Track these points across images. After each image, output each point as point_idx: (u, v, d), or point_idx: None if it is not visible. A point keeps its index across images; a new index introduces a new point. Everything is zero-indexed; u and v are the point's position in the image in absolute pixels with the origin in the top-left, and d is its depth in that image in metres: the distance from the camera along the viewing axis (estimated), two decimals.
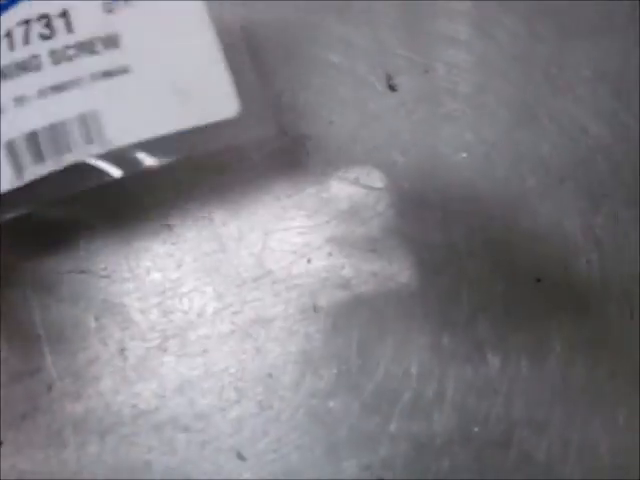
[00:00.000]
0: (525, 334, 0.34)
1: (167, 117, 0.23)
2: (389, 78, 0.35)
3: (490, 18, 0.36)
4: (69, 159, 0.21)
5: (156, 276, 0.33)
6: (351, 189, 0.33)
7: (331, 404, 0.33)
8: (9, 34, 0.22)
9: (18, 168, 0.21)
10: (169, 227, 0.33)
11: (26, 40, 0.22)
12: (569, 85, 0.35)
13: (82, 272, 0.33)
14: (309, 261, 0.34)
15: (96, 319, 0.33)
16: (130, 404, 0.32)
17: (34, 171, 0.21)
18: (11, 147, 0.22)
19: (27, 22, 0.22)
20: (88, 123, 0.22)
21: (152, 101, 0.23)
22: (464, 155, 0.35)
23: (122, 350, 0.33)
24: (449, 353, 0.34)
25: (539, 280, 0.34)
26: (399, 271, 0.35)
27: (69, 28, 0.23)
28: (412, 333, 0.34)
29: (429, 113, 0.35)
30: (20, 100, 0.22)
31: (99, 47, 0.22)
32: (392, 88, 0.35)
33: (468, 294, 0.34)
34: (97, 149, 0.22)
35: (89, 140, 0.22)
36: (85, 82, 0.22)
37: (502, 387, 0.34)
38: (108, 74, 0.22)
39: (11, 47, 0.22)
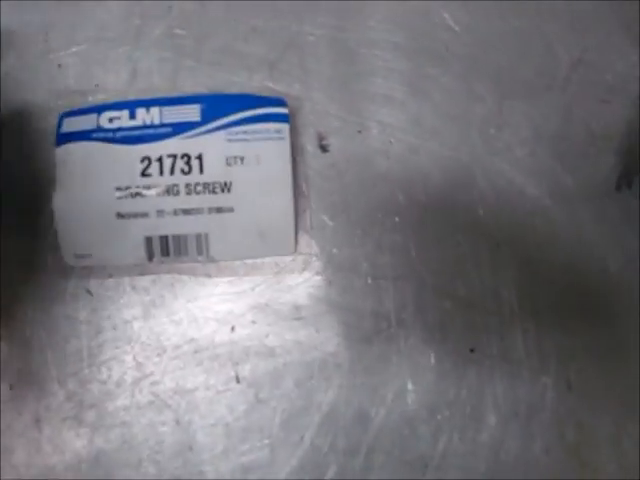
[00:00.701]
0: (457, 407, 0.38)
1: (251, 248, 0.35)
2: (321, 138, 0.39)
3: (426, 77, 0.40)
4: (184, 260, 0.35)
5: (74, 344, 0.37)
6: None
7: (253, 479, 0.37)
8: (160, 160, 0.34)
9: (150, 255, 0.35)
10: (89, 293, 0.37)
11: (172, 171, 0.34)
12: (507, 146, 0.37)
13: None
14: (233, 329, 0.38)
15: (10, 388, 0.36)
16: (43, 478, 0.36)
17: (160, 260, 0.35)
18: (149, 241, 0.35)
19: (174, 157, 0.34)
20: (201, 240, 0.35)
21: (243, 235, 0.35)
22: (396, 219, 0.39)
23: (37, 421, 0.36)
24: (377, 427, 0.37)
25: (472, 350, 0.35)
26: (326, 340, 0.37)
27: (201, 169, 0.35)
28: (338, 405, 0.38)
29: (361, 174, 0.39)
30: (160, 212, 0.34)
31: (217, 189, 0.35)
32: (324, 149, 0.39)
33: (398, 365, 0.38)
34: (203, 259, 0.35)
35: (199, 252, 0.35)
36: (203, 212, 0.35)
37: (433, 461, 0.37)
38: (219, 210, 0.35)
39: (161, 172, 0.34)
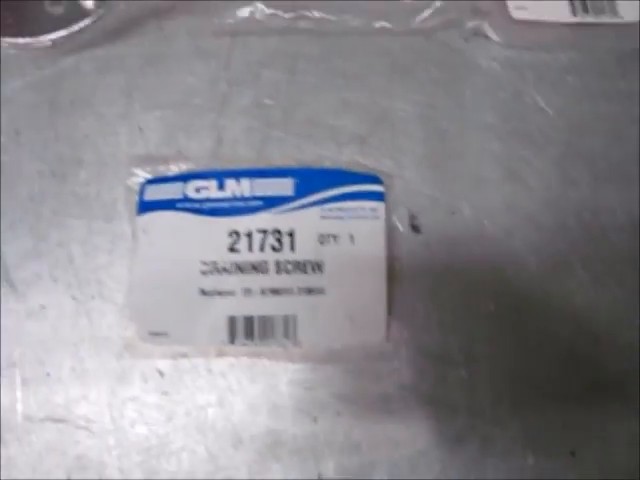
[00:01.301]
0: None
1: (339, 333, 0.32)
2: (413, 218, 0.37)
3: (520, 159, 0.38)
4: (270, 344, 0.31)
5: (141, 430, 0.33)
6: None
7: None
8: (250, 235, 0.31)
9: (232, 335, 0.31)
10: (160, 374, 0.33)
11: (262, 247, 0.31)
12: (603, 232, 0.35)
13: (58, 421, 0.33)
14: (315, 420, 0.34)
15: (67, 476, 0.32)
16: None
17: (242, 342, 0.32)
18: (232, 321, 0.31)
19: (264, 232, 0.32)
20: (288, 323, 0.31)
21: (332, 318, 0.32)
22: (491, 306, 0.36)
23: None
24: None
25: (574, 453, 0.32)
26: (416, 436, 0.34)
27: (292, 246, 0.32)
28: None
29: (454, 257, 0.36)
30: (247, 291, 0.31)
31: (309, 269, 0.32)
32: (415, 229, 0.37)
33: (494, 466, 0.33)
34: (290, 343, 0.32)
35: (286, 335, 0.31)
36: (293, 293, 0.31)
37: None
38: (310, 291, 0.32)
39: (250, 248, 0.31)
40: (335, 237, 0.32)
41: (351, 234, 0.33)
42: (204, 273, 0.32)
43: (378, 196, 0.33)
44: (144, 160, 0.35)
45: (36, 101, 0.36)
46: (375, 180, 0.34)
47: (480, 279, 0.35)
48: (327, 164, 0.35)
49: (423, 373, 0.33)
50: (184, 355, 0.33)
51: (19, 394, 0.33)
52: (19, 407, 0.33)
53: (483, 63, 0.38)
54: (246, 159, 0.35)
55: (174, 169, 0.34)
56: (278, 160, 0.35)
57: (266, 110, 0.36)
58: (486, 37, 0.39)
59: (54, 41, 0.36)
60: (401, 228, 0.35)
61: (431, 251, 0.35)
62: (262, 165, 0.35)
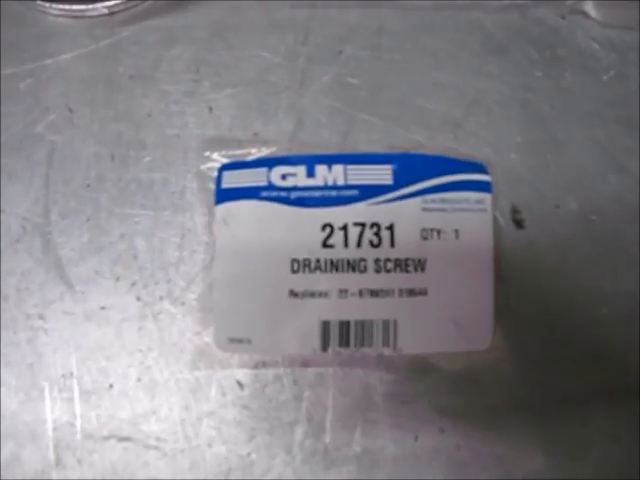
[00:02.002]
0: None
1: (443, 339, 0.28)
2: (515, 212, 0.32)
3: (626, 150, 0.34)
4: (367, 352, 0.27)
5: (220, 450, 0.28)
6: None
7: None
8: (345, 229, 0.27)
9: (324, 342, 0.27)
10: (240, 385, 0.28)
11: (359, 243, 0.27)
12: None
13: (124, 439, 0.28)
14: (416, 439, 0.30)
15: None
16: None
17: (336, 350, 0.27)
18: (325, 326, 0.27)
19: (362, 225, 0.27)
20: (388, 328, 0.27)
21: (436, 322, 0.27)
22: (604, 311, 0.32)
23: None
24: None
25: None
26: (527, 456, 0.31)
27: (392, 242, 0.27)
28: None
29: (560, 256, 0.32)
30: (343, 293, 0.27)
31: (410, 267, 0.27)
32: (518, 224, 0.32)
33: None
34: (389, 351, 0.27)
35: (385, 342, 0.27)
36: (394, 294, 0.27)
37: None
38: (411, 292, 0.27)
39: (346, 244, 0.27)
40: (439, 232, 0.28)
41: (456, 228, 0.28)
42: (294, 271, 0.27)
43: (484, 186, 0.29)
44: (216, 143, 0.30)
45: (92, 75, 0.31)
46: (481, 168, 0.29)
47: (590, 281, 0.30)
48: (420, 150, 0.31)
49: (532, 385, 0.29)
50: (266, 364, 0.28)
51: (78, 408, 0.28)
52: (78, 423, 0.28)
53: (582, 43, 0.34)
54: (330, 143, 0.31)
55: (254, 153, 0.29)
56: (365, 145, 0.31)
57: (350, 90, 0.32)
58: (584, 15, 0.34)
59: (111, 9, 0.31)
60: (503, 222, 0.30)
61: (535, 249, 0.31)
62: (348, 150, 0.30)
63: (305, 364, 0.28)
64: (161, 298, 0.29)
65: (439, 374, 0.29)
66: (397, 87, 0.32)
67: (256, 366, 0.28)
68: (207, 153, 0.29)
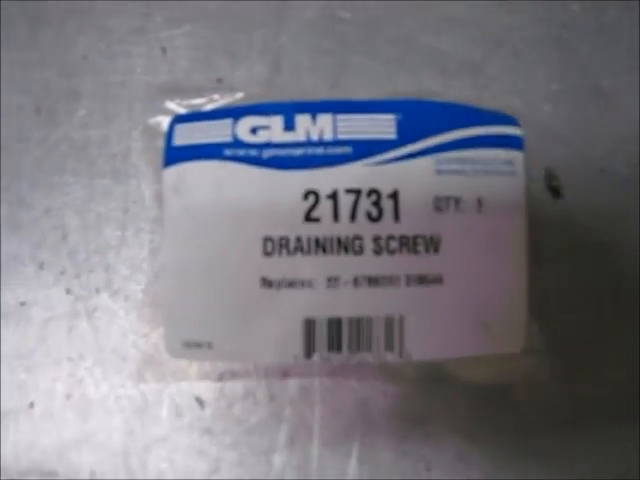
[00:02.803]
0: None
1: (463, 341, 0.21)
2: (551, 177, 0.25)
3: None
4: (365, 358, 0.20)
5: None
6: None
7: None
8: (335, 197, 0.20)
9: (309, 347, 0.20)
10: (200, 403, 0.21)
11: (353, 215, 0.20)
12: None
13: (48, 474, 0.21)
14: (428, 468, 0.22)
15: None
16: None
17: (324, 356, 0.20)
18: (309, 325, 0.20)
19: (357, 193, 0.20)
20: (393, 328, 0.20)
21: (456, 320, 0.21)
22: None
23: None
24: None
25: None
26: None
27: (396, 214, 0.20)
28: None
29: (605, 231, 0.25)
30: (333, 281, 0.20)
31: (420, 247, 0.20)
32: (555, 192, 0.25)
33: None
34: (393, 357, 0.20)
35: (388, 346, 0.20)
36: (399, 282, 0.20)
37: None
38: (422, 280, 0.20)
39: (335, 217, 0.20)
40: (457, 201, 0.21)
41: (479, 197, 0.21)
42: (268, 254, 0.20)
43: (515, 142, 0.22)
44: (170, 90, 0.23)
45: (12, 10, 0.24)
46: (508, 120, 0.22)
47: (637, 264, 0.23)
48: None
49: (578, 397, 0.22)
50: (233, 375, 0.21)
51: None
52: None
53: None
54: (315, 91, 0.24)
55: (216, 101, 0.22)
56: (359, 93, 0.24)
57: (341, 26, 0.25)
58: None
59: None
60: (536, 190, 0.23)
61: (576, 222, 0.24)
62: (338, 97, 0.23)
63: (284, 374, 0.21)
64: (97, 291, 0.22)
65: (458, 386, 0.22)
66: (401, 23, 0.25)
67: (221, 377, 0.21)
68: (157, 103, 0.22)
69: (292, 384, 0.22)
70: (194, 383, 0.21)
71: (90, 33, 0.24)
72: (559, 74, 0.25)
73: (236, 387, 0.21)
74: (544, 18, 0.25)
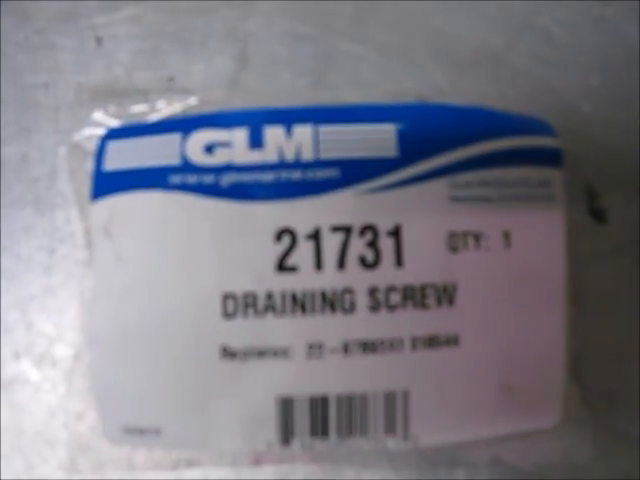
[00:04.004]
0: None
1: (486, 417, 0.16)
2: (593, 197, 0.20)
3: None
4: (359, 445, 0.15)
5: None
6: None
7: None
8: (317, 237, 0.15)
9: (287, 432, 0.15)
10: None
11: (341, 261, 0.15)
12: None
13: None
14: None
15: None
16: None
17: (306, 443, 0.15)
18: (286, 405, 0.15)
19: (347, 230, 0.15)
20: (395, 405, 0.16)
21: (475, 391, 0.16)
22: None
23: None
24: None
25: None
26: None
27: (398, 258, 0.15)
28: None
29: None
30: (316, 348, 0.15)
31: (431, 299, 0.16)
32: (598, 216, 0.20)
33: None
34: (396, 442, 0.15)
35: (390, 428, 0.16)
36: (402, 347, 0.16)
37: None
38: (433, 342, 0.16)
39: (318, 264, 0.15)
40: (477, 237, 0.16)
41: (505, 231, 0.16)
42: (229, 316, 0.15)
43: (551, 157, 0.17)
44: (104, 94, 0.17)
45: None
46: (543, 128, 0.17)
47: None
48: (440, 100, 0.18)
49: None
50: (192, 463, 0.16)
51: None
52: None
53: None
54: (292, 94, 0.18)
55: (161, 111, 0.17)
56: (349, 92, 0.18)
57: (324, 5, 0.19)
58: None
59: None
60: (577, 214, 0.18)
61: (623, 253, 0.19)
62: (322, 101, 0.17)
63: (257, 461, 0.16)
64: (16, 356, 0.17)
65: (478, 470, 0.17)
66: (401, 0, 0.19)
67: (175, 466, 0.16)
68: (87, 112, 0.17)
69: (268, 471, 0.17)
70: (141, 473, 0.16)
71: (5, 20, 0.18)
72: (601, 64, 0.19)
73: (195, 475, 0.17)
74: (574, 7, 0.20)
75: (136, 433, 0.15)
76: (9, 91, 0.18)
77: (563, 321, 0.17)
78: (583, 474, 0.17)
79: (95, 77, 0.18)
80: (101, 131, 0.16)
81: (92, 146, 0.17)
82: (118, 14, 0.19)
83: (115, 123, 0.17)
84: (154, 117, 0.17)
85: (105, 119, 0.17)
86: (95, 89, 0.18)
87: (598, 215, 0.19)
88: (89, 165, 0.17)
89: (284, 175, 0.16)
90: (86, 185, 0.16)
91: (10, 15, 0.19)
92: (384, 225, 0.16)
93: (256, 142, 0.16)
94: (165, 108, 0.17)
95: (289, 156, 0.16)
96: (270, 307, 0.15)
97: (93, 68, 0.18)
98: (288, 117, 0.16)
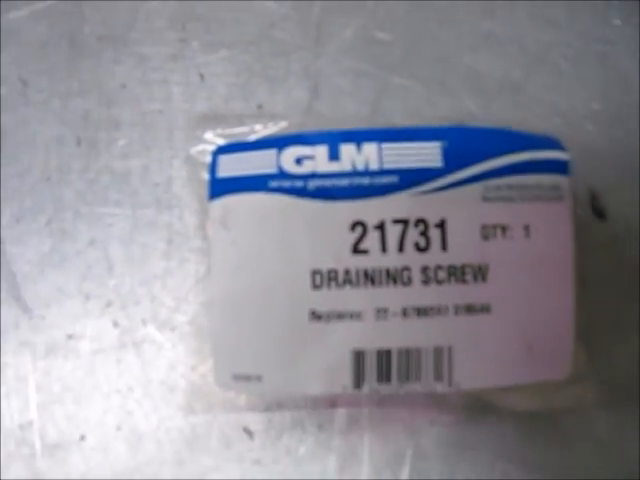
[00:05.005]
0: None
1: (512, 369, 0.20)
2: (594, 197, 0.25)
3: None
4: (414, 389, 0.20)
5: None
6: None
7: None
8: (382, 227, 0.20)
9: (358, 379, 0.20)
10: (249, 434, 0.21)
11: (400, 246, 0.20)
12: None
13: None
14: None
15: None
16: None
17: (373, 387, 0.20)
18: (359, 357, 0.20)
19: (404, 223, 0.20)
20: (442, 358, 0.20)
21: (503, 348, 0.20)
22: None
23: None
24: None
25: None
26: None
27: (444, 244, 0.20)
28: None
29: None
30: (382, 312, 0.20)
31: (469, 276, 0.20)
32: (599, 213, 0.25)
33: None
34: (443, 387, 0.20)
35: (438, 376, 0.20)
36: (447, 312, 0.20)
37: None
38: (471, 309, 0.20)
39: (383, 248, 0.20)
40: (504, 228, 0.21)
41: (526, 223, 0.21)
42: (316, 287, 0.20)
43: (561, 167, 0.21)
44: (210, 119, 0.22)
45: (49, 37, 0.24)
46: (554, 144, 0.22)
47: None
48: (470, 122, 0.23)
49: (624, 426, 0.22)
50: (281, 406, 0.21)
51: (41, 467, 0.21)
52: None
53: None
54: (357, 116, 0.23)
55: (258, 131, 0.22)
56: (401, 117, 0.23)
57: (379, 47, 0.24)
58: None
59: None
60: (579, 212, 0.23)
61: (620, 244, 0.23)
62: (380, 124, 0.22)
63: (333, 404, 0.21)
64: (144, 322, 0.22)
65: (505, 413, 0.21)
66: (439, 42, 0.24)
67: (269, 408, 0.21)
68: (198, 132, 0.22)
69: (340, 414, 0.21)
70: (242, 414, 0.21)
71: (127, 61, 0.24)
72: (601, 92, 0.24)
73: (284, 417, 0.21)
74: (585, 34, 0.25)
75: (242, 380, 0.20)
76: (133, 117, 0.23)
77: (572, 296, 0.21)
78: (587, 419, 0.22)
79: (199, 105, 0.23)
80: (212, 147, 0.21)
81: (202, 159, 0.22)
82: (215, 55, 0.24)
83: (222, 141, 0.22)
84: (252, 137, 0.22)
85: (214, 138, 0.22)
86: (200, 114, 0.23)
87: (599, 213, 0.23)
88: (200, 173, 0.22)
89: (356, 181, 0.20)
90: (199, 187, 0.21)
91: (132, 56, 0.24)
92: (432, 219, 0.20)
93: (334, 156, 0.21)
94: (261, 130, 0.22)
95: (360, 166, 0.21)
96: (347, 280, 0.20)
97: (197, 98, 0.23)
98: (358, 137, 0.21)
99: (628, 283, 0.23)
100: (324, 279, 0.20)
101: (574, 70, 0.24)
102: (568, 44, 0.25)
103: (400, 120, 0.23)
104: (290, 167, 0.21)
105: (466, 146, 0.21)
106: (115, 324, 0.22)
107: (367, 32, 0.24)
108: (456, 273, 0.20)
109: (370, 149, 0.21)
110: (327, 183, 0.20)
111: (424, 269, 0.20)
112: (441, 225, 0.20)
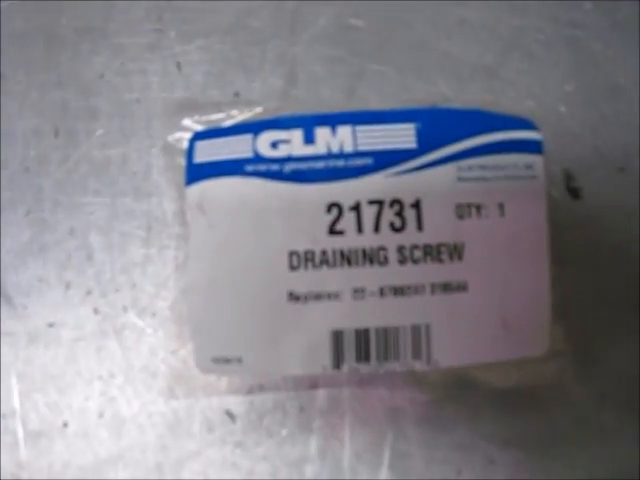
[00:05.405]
0: None
1: (489, 346, 0.21)
2: (569, 178, 0.25)
3: None
4: (393, 367, 0.20)
5: None
6: None
7: None
8: (358, 209, 0.20)
9: (338, 359, 0.20)
10: (231, 417, 0.21)
11: (376, 226, 0.20)
12: None
13: None
14: (459, 472, 0.22)
15: None
16: None
17: (353, 367, 0.20)
18: (337, 337, 0.20)
19: (379, 203, 0.20)
20: (420, 336, 0.20)
21: (480, 325, 0.21)
22: None
23: None
24: None
25: None
26: None
27: (419, 224, 0.20)
28: None
29: (627, 232, 0.25)
30: (359, 292, 0.20)
31: (444, 255, 0.21)
32: (574, 193, 0.25)
33: None
34: (421, 365, 0.20)
35: (416, 354, 0.20)
36: (424, 291, 0.20)
37: None
38: (447, 287, 0.21)
39: (359, 228, 0.20)
40: (478, 207, 0.21)
41: (500, 202, 0.21)
42: (294, 268, 0.20)
43: (534, 146, 0.22)
44: (187, 107, 0.23)
45: (27, 29, 0.24)
46: (527, 124, 0.22)
47: None
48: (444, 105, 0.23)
49: (605, 398, 0.22)
50: (263, 388, 0.21)
51: (24, 455, 0.21)
52: (24, 474, 0.21)
53: None
54: (333, 102, 0.23)
55: (235, 117, 0.22)
56: (376, 103, 0.24)
57: (354, 34, 0.24)
58: None
59: None
60: (554, 192, 0.23)
61: (595, 223, 0.24)
62: (356, 108, 0.23)
63: (313, 385, 0.21)
64: (125, 309, 0.22)
65: (485, 391, 0.22)
66: (414, 28, 0.25)
67: (250, 390, 0.21)
68: (176, 120, 0.22)
69: (321, 395, 0.22)
70: (224, 397, 0.21)
71: (105, 52, 0.24)
72: (573, 74, 0.25)
73: (266, 400, 0.21)
74: (556, 18, 0.25)
75: (222, 362, 0.20)
76: (111, 106, 0.23)
77: (547, 273, 0.22)
78: (566, 394, 0.22)
79: (177, 94, 0.24)
80: (189, 134, 0.22)
81: (180, 146, 0.22)
82: (192, 44, 0.24)
83: (199, 128, 0.22)
84: (228, 123, 0.22)
85: (191, 125, 0.22)
86: (178, 102, 0.23)
87: (574, 193, 0.24)
88: (178, 160, 0.22)
89: (331, 163, 0.21)
90: (177, 174, 0.22)
91: (110, 48, 0.24)
92: (408, 199, 0.21)
93: (309, 139, 0.21)
94: (237, 116, 0.22)
95: (334, 149, 0.21)
96: (324, 261, 0.20)
97: (175, 87, 0.24)
98: (333, 120, 0.21)
99: (603, 260, 0.23)
100: (301, 260, 0.20)
101: (546, 54, 0.25)
102: (540, 29, 0.25)
103: (376, 106, 0.23)
104: (266, 151, 0.21)
105: (440, 127, 0.21)
106: (96, 311, 0.22)
107: (342, 19, 0.24)
108: (432, 252, 0.21)
109: (345, 132, 0.21)
110: (303, 166, 0.21)
111: (400, 249, 0.20)
112: (416, 205, 0.21)
